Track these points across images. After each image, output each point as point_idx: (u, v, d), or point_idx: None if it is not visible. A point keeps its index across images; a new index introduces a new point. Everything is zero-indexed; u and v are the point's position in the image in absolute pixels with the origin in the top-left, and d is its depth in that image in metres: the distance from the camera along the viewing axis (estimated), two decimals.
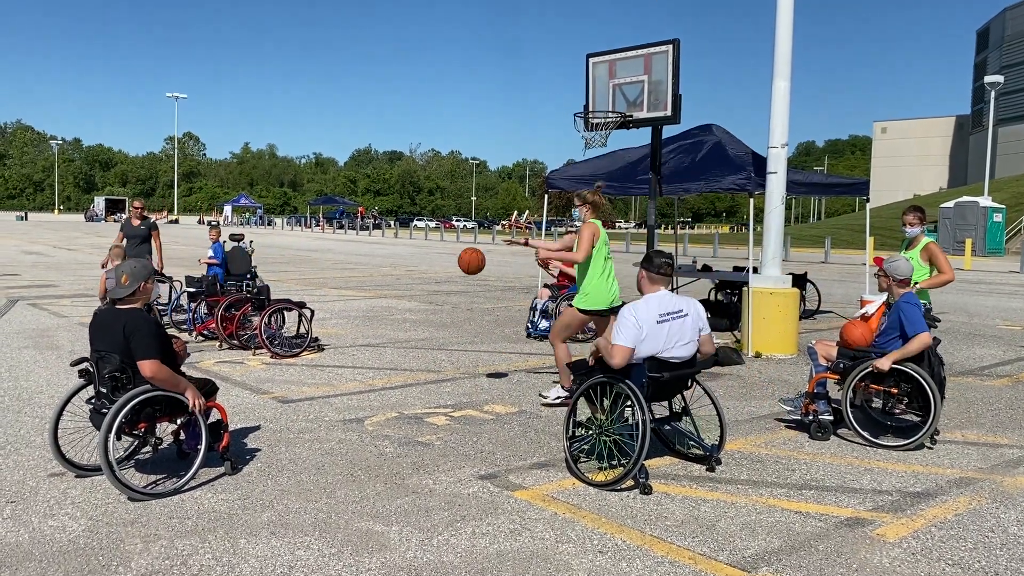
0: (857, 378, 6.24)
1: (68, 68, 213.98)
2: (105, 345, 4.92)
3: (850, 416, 6.25)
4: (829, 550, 4.24)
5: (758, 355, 9.87)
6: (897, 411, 6.37)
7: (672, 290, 5.77)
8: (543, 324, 11.14)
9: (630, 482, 5.05)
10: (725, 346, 9.74)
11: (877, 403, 6.41)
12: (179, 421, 5.19)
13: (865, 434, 6.20)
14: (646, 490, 5.02)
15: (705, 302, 13.66)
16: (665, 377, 5.23)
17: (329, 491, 4.99)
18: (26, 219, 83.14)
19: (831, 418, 6.40)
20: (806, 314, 13.60)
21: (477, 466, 5.53)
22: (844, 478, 5.42)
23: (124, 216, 12.12)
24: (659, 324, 5.18)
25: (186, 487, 4.95)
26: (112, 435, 4.72)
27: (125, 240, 11.75)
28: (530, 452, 5.87)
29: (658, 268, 5.33)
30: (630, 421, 5.11)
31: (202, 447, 5.06)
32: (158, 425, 5.10)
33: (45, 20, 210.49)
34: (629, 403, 5.12)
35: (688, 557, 4.13)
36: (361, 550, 4.15)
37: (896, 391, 6.18)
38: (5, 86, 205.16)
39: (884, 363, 6.11)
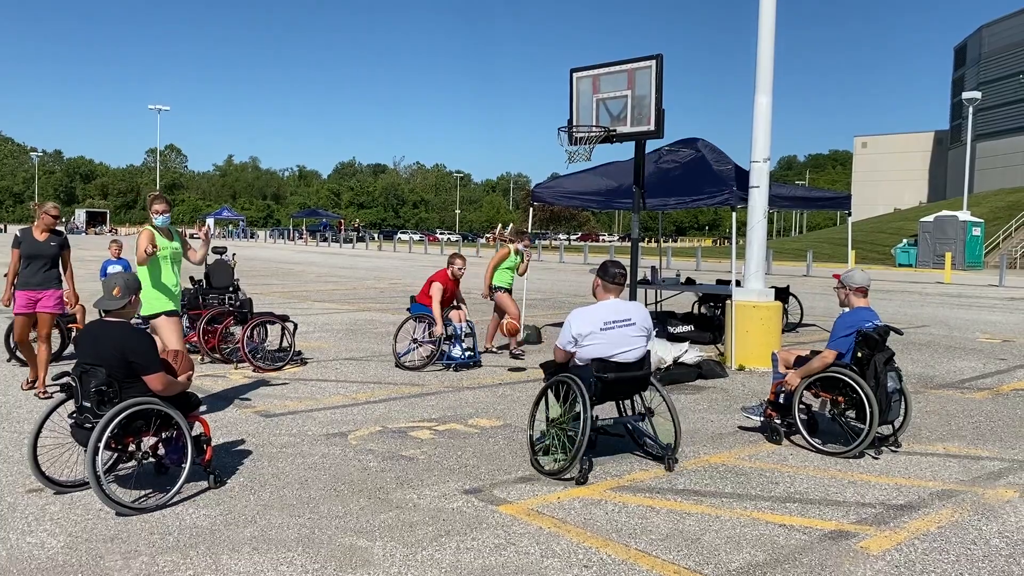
0: (804, 386, 6.43)
1: (49, 79, 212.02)
2: (92, 359, 4.87)
3: (799, 422, 6.45)
4: (813, 563, 4.25)
5: (741, 368, 9.91)
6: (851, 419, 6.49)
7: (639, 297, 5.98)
8: (456, 351, 9.79)
9: (577, 470, 5.41)
10: (708, 359, 9.77)
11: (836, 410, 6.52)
12: (164, 435, 5.14)
13: (813, 441, 6.41)
14: (583, 479, 5.37)
15: (688, 315, 13.72)
16: (610, 378, 5.56)
17: (312, 506, 4.96)
18: (5, 231, 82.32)
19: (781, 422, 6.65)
20: (788, 327, 13.68)
21: (461, 480, 5.51)
22: (828, 491, 5.44)
23: (21, 229, 8.20)
24: (603, 331, 5.54)
25: (170, 502, 4.90)
26: (102, 446, 4.68)
27: (22, 263, 7.89)
28: (515, 466, 5.86)
29: (612, 278, 5.70)
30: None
31: (187, 462, 5.02)
32: (143, 439, 5.05)
33: (25, 31, 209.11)
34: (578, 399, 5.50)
35: (673, 571, 4.13)
36: (345, 566, 4.12)
37: (842, 400, 6.31)
38: None
39: (793, 379, 6.43)
